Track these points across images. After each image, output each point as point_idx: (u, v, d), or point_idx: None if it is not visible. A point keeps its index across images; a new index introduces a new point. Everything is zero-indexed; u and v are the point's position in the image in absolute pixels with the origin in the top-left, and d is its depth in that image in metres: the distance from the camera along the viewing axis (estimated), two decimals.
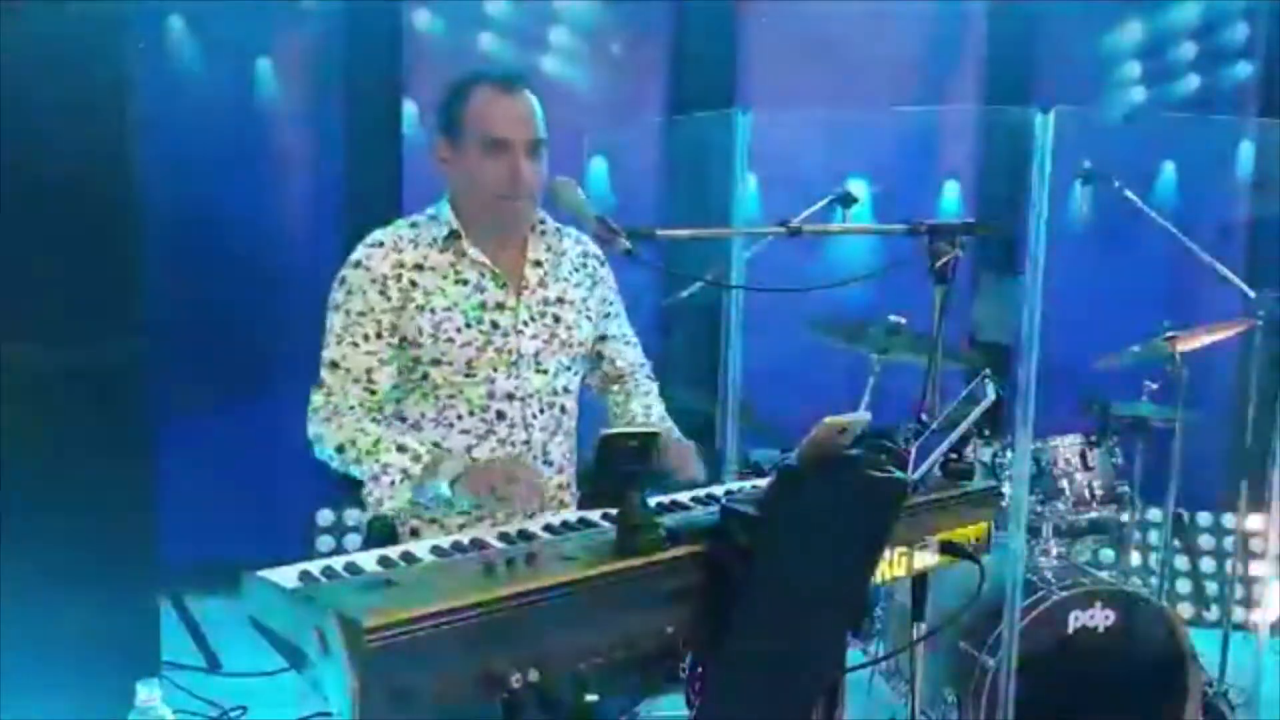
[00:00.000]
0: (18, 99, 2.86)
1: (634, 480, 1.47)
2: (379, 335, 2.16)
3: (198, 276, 4.40)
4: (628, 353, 2.45)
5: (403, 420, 2.23)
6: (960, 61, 5.05)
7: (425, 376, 2.19)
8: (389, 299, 2.15)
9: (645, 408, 2.37)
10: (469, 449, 2.19)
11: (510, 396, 2.20)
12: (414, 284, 2.17)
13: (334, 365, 2.17)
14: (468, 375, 2.18)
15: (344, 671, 1.22)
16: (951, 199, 5.03)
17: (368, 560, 1.48)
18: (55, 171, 2.93)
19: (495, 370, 2.19)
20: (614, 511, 1.50)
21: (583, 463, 2.29)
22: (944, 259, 2.08)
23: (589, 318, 2.33)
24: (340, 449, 2.12)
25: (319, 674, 1.28)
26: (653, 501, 1.67)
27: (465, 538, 1.58)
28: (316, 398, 2.18)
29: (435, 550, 1.54)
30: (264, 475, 4.46)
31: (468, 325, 2.17)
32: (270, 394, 4.20)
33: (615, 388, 2.45)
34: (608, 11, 4.90)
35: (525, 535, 1.60)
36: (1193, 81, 4.97)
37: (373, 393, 2.16)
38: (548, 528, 1.63)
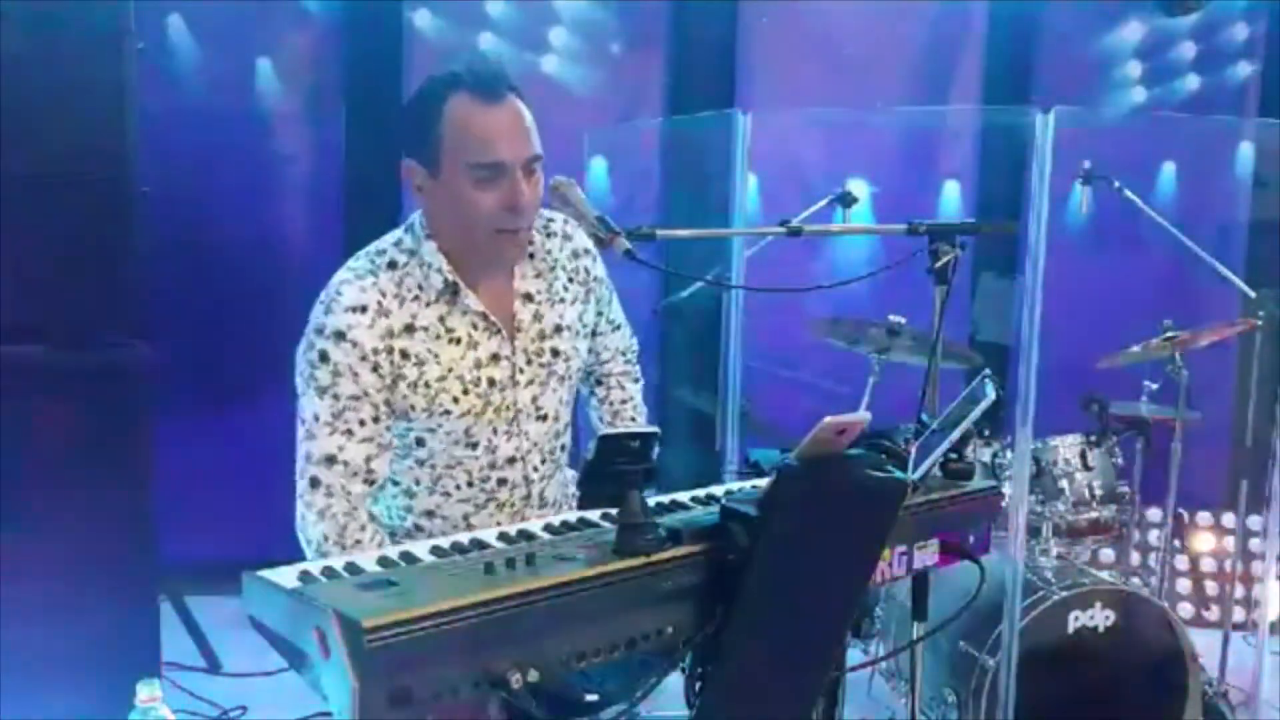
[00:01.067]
0: (17, 99, 2.85)
1: (634, 480, 1.47)
2: (376, 419, 1.93)
3: (197, 277, 4.40)
4: (611, 340, 2.32)
5: (395, 484, 2.07)
6: (960, 61, 5.05)
7: (420, 443, 2.02)
8: (382, 377, 1.92)
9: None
10: (465, 517, 2.09)
11: (511, 460, 2.08)
12: (405, 355, 1.93)
13: (330, 460, 1.92)
14: (467, 445, 2.03)
15: (344, 671, 1.22)
16: (951, 199, 5.03)
17: (368, 560, 1.48)
18: (54, 172, 2.92)
19: (495, 433, 2.04)
20: (614, 511, 1.50)
21: (581, 463, 2.28)
22: (944, 259, 2.09)
23: (586, 334, 2.19)
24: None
25: (319, 674, 1.28)
26: (652, 501, 1.67)
27: (465, 538, 1.58)
28: (316, 500, 1.93)
29: (435, 550, 1.54)
30: (264, 475, 4.44)
31: (464, 392, 1.99)
32: (270, 393, 4.18)
33: (595, 396, 2.38)
34: (608, 12, 4.90)
35: (525, 535, 1.60)
36: (1193, 81, 4.98)
37: (372, 483, 1.96)
38: (548, 528, 1.63)
